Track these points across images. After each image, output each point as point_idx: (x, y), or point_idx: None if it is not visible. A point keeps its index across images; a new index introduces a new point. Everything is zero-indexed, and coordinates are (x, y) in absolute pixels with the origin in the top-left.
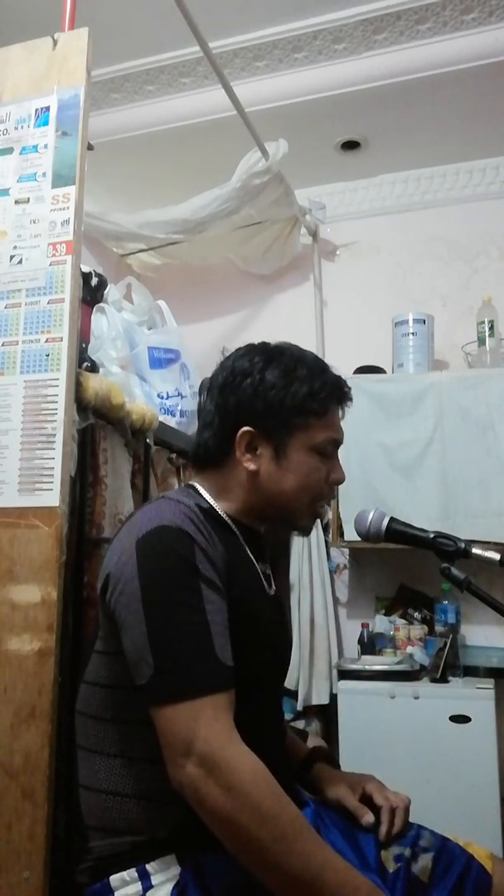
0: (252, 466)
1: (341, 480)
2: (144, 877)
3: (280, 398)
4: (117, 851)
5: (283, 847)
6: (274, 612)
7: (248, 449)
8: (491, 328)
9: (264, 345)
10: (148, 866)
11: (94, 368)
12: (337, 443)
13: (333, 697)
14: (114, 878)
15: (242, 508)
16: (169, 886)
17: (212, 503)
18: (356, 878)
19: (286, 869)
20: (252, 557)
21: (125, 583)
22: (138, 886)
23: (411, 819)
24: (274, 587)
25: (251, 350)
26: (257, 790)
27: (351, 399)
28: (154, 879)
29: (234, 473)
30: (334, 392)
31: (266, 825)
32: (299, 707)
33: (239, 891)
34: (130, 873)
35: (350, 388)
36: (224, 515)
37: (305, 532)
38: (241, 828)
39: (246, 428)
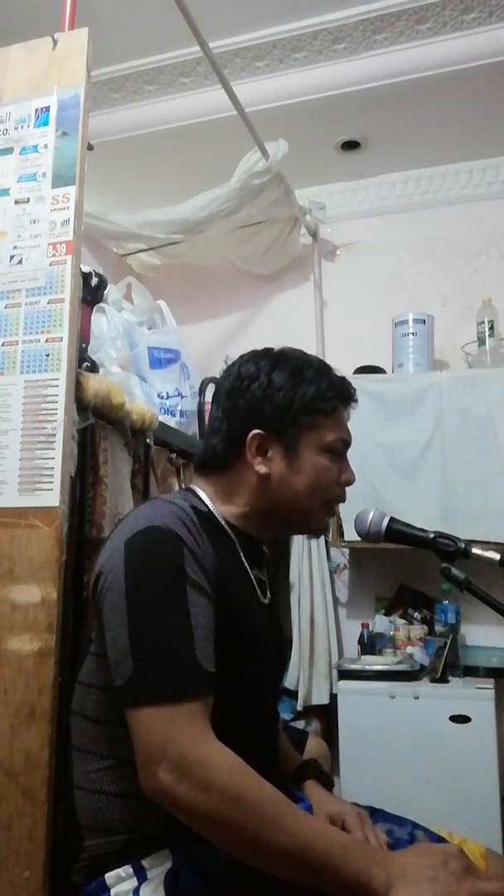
0: (263, 470)
1: (352, 481)
2: (140, 872)
3: (289, 399)
4: (111, 850)
5: (269, 829)
6: (267, 620)
7: (258, 452)
8: (491, 328)
9: (268, 350)
10: (143, 862)
11: (94, 368)
12: (346, 443)
13: (333, 697)
14: (109, 876)
15: (246, 513)
16: (162, 875)
17: (210, 507)
18: (341, 836)
19: (276, 849)
20: (246, 565)
21: (111, 581)
22: (134, 882)
23: (409, 816)
24: (269, 596)
25: (256, 355)
26: (235, 783)
27: (356, 400)
28: (149, 874)
29: (243, 478)
30: (341, 392)
31: (249, 813)
32: (299, 707)
33: (233, 871)
34: (126, 870)
35: (355, 389)
36: (222, 521)
37: (318, 534)
38: (224, 821)
39: (256, 431)
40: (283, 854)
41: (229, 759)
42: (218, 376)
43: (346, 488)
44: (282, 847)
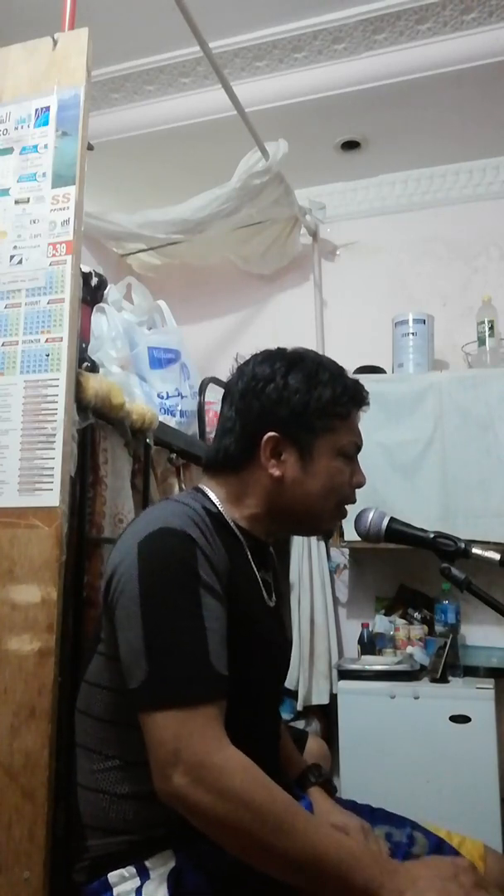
0: (277, 472)
1: (363, 483)
2: (142, 872)
3: (305, 402)
4: (114, 851)
5: (283, 836)
6: (272, 623)
7: (272, 454)
8: (491, 328)
9: (282, 350)
10: (147, 862)
11: (94, 368)
12: (358, 446)
13: (333, 697)
14: (112, 875)
15: (256, 515)
16: (165, 875)
17: (220, 509)
18: (353, 845)
19: (289, 855)
20: (254, 567)
21: (124, 584)
22: (136, 882)
23: (409, 816)
24: (274, 598)
25: (270, 356)
26: (249, 789)
27: (368, 403)
28: (152, 874)
29: (254, 479)
30: (355, 396)
31: (263, 819)
32: (299, 707)
33: (237, 870)
34: (129, 870)
35: (368, 393)
36: (231, 522)
37: (329, 535)
38: (239, 827)
39: (271, 433)
40: (296, 861)
41: (244, 765)
42: (218, 376)
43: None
44: (295, 854)
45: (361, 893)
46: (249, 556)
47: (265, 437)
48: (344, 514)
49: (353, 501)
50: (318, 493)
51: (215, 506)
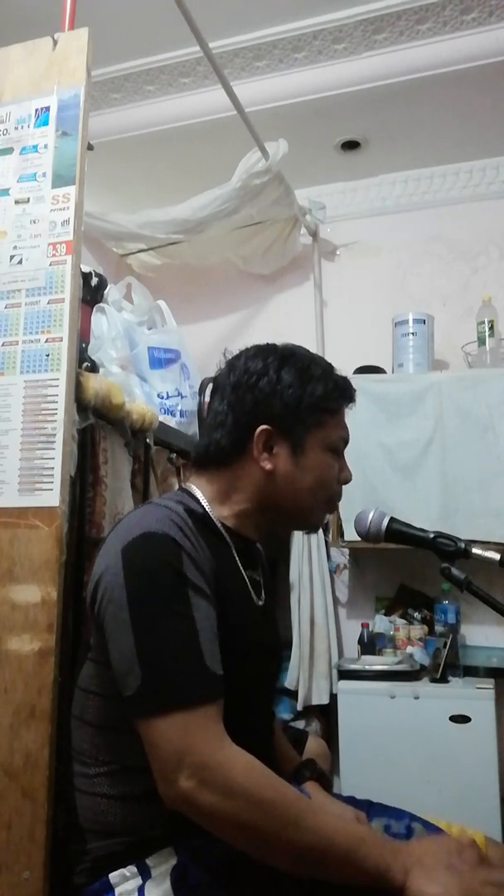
0: (269, 466)
1: (350, 479)
2: (144, 871)
3: (297, 396)
4: (114, 851)
5: (291, 829)
6: (262, 622)
7: (265, 448)
8: (491, 328)
9: (273, 345)
10: (148, 861)
11: (94, 368)
12: (346, 441)
13: (333, 697)
14: (113, 875)
15: (245, 510)
16: (166, 872)
17: (207, 509)
18: (358, 829)
19: (299, 848)
20: (241, 567)
21: (111, 592)
22: (138, 881)
23: (407, 809)
24: (264, 597)
25: (262, 350)
26: (255, 785)
27: (355, 399)
28: (153, 872)
29: (245, 473)
30: (345, 391)
31: (271, 815)
32: (299, 707)
33: (236, 862)
34: (130, 869)
35: (355, 390)
36: (217, 522)
37: (316, 529)
38: (247, 825)
39: (264, 426)
40: (305, 852)
41: (247, 762)
42: (217, 371)
43: (344, 487)
44: (304, 845)
45: (369, 875)
46: (235, 556)
47: (258, 430)
48: (333, 509)
49: (340, 497)
50: (308, 487)
51: (201, 506)
